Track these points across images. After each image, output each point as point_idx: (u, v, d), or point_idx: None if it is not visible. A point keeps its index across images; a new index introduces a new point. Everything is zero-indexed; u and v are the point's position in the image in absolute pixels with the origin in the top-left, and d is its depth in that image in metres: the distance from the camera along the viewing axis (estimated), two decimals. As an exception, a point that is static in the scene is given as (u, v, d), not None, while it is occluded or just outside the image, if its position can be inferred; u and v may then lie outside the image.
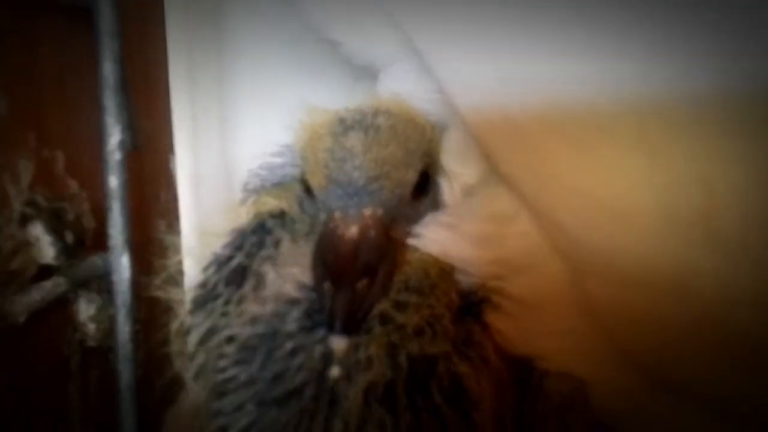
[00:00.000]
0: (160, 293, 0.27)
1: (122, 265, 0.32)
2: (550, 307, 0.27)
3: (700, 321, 0.24)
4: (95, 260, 0.32)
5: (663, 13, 0.23)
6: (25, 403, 0.28)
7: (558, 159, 0.25)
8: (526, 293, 0.26)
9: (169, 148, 0.39)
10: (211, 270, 0.27)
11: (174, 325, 0.27)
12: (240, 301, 0.26)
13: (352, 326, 0.24)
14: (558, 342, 0.27)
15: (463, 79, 0.26)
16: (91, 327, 0.31)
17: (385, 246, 0.25)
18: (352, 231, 0.24)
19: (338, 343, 0.24)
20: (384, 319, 0.24)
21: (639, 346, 0.27)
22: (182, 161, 0.40)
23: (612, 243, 0.25)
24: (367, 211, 0.25)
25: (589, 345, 0.28)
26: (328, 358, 0.24)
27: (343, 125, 0.27)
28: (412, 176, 0.26)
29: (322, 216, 0.25)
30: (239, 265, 0.27)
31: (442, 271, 0.26)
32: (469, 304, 0.25)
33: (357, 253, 0.24)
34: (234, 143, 0.43)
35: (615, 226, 0.24)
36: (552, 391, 0.26)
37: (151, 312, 0.30)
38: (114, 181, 0.32)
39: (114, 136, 0.32)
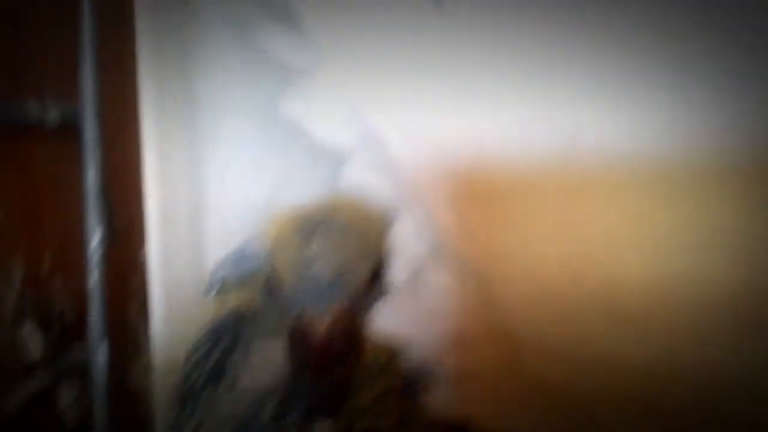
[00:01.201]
0: (137, 384, 0.30)
1: (100, 353, 0.35)
2: (487, 375, 0.32)
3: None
4: (75, 349, 0.35)
5: None
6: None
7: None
8: (467, 364, 0.31)
9: (141, 242, 0.43)
10: (189, 369, 0.31)
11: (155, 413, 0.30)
12: (216, 396, 0.30)
13: (333, 408, 0.28)
14: (493, 405, 0.32)
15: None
16: (71, 412, 0.34)
17: (351, 337, 0.29)
18: (325, 326, 0.27)
19: (322, 427, 0.28)
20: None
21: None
22: (154, 250, 0.44)
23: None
24: (335, 306, 0.28)
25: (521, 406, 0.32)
26: None
27: (308, 228, 0.29)
28: (368, 267, 0.30)
29: (292, 312, 0.28)
30: (218, 362, 0.31)
31: (390, 355, 0.30)
32: (411, 383, 0.30)
33: (331, 345, 0.27)
34: (203, 235, 0.47)
35: None
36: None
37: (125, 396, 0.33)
38: (95, 276, 0.35)
39: (96, 236, 0.36)
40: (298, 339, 0.28)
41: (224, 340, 0.30)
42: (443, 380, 0.30)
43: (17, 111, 0.34)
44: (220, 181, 0.48)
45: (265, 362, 0.29)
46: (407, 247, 0.33)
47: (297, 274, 0.29)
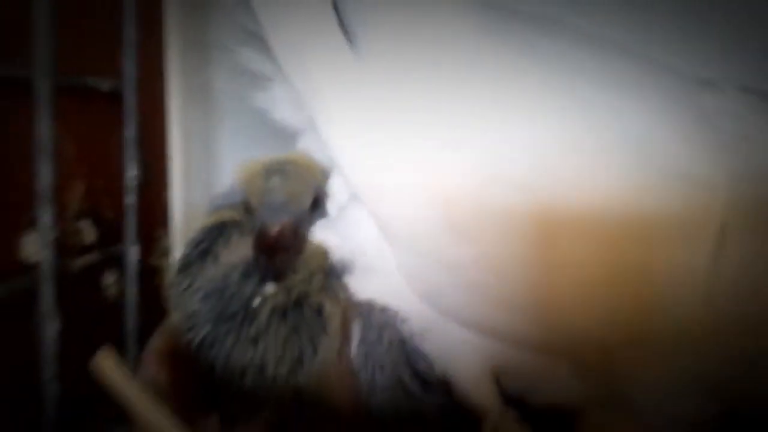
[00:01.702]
0: (157, 263, 0.46)
1: (132, 252, 0.51)
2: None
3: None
4: (115, 248, 0.51)
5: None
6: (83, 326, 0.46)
7: None
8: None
9: (164, 184, 0.59)
10: (188, 250, 0.46)
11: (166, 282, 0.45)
12: (204, 268, 0.45)
13: (277, 278, 0.41)
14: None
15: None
16: (111, 290, 0.49)
17: (293, 238, 0.44)
18: (275, 230, 0.41)
19: (269, 288, 0.41)
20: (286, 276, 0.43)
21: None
22: (175, 190, 0.59)
23: None
24: (283, 220, 0.41)
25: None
26: (254, 296, 0.42)
27: (268, 171, 0.43)
28: (308, 199, 0.43)
29: (257, 223, 0.42)
30: (204, 247, 0.46)
31: (321, 251, 0.45)
32: (333, 269, 0.44)
33: (278, 240, 0.41)
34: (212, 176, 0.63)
35: None
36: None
37: (150, 278, 0.48)
38: (130, 198, 0.51)
39: (131, 169, 0.51)
40: (260, 237, 0.41)
41: (212, 234, 0.45)
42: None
43: (83, 81, 0.47)
44: (223, 141, 0.64)
45: (238, 250, 0.44)
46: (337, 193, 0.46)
47: (261, 199, 0.43)
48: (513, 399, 0.41)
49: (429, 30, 0.39)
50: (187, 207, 0.60)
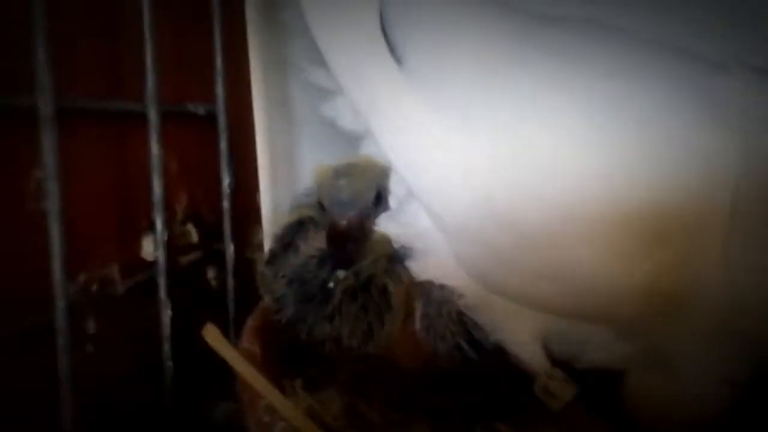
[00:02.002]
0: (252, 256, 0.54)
1: (229, 248, 0.60)
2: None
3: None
4: (216, 246, 0.60)
5: None
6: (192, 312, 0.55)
7: None
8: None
9: (255, 189, 0.67)
10: (274, 244, 0.53)
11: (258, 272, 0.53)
12: (287, 258, 0.52)
13: (347, 265, 0.47)
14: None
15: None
16: (214, 281, 0.59)
17: (359, 229, 0.50)
18: (343, 224, 0.47)
19: (340, 273, 0.47)
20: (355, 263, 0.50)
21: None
22: (263, 193, 0.68)
23: None
24: (350, 215, 0.48)
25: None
26: (329, 280, 0.49)
27: (336, 173, 0.49)
28: (371, 196, 0.49)
29: (329, 218, 0.48)
30: (287, 241, 0.53)
31: (385, 239, 0.51)
32: (395, 255, 0.51)
33: (346, 232, 0.47)
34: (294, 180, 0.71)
35: None
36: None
37: (246, 270, 0.57)
38: (225, 203, 0.60)
39: (226, 179, 0.59)
40: (331, 230, 0.48)
41: (292, 230, 0.53)
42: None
43: (184, 108, 0.55)
44: (302, 148, 0.72)
45: (314, 242, 0.52)
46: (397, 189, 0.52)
47: (331, 198, 0.49)
48: (560, 363, 0.46)
49: (465, 41, 0.44)
50: (274, 207, 0.69)
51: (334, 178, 0.49)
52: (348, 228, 0.48)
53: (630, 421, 0.44)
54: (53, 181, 0.39)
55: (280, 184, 0.71)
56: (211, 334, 0.42)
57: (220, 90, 0.57)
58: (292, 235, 0.51)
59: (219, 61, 0.57)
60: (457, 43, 0.44)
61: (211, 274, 0.59)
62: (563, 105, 0.40)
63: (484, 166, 0.41)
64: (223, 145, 0.58)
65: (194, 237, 0.56)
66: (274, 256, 0.51)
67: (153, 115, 0.49)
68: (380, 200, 0.50)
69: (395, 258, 0.49)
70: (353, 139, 0.53)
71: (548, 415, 0.45)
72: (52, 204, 0.39)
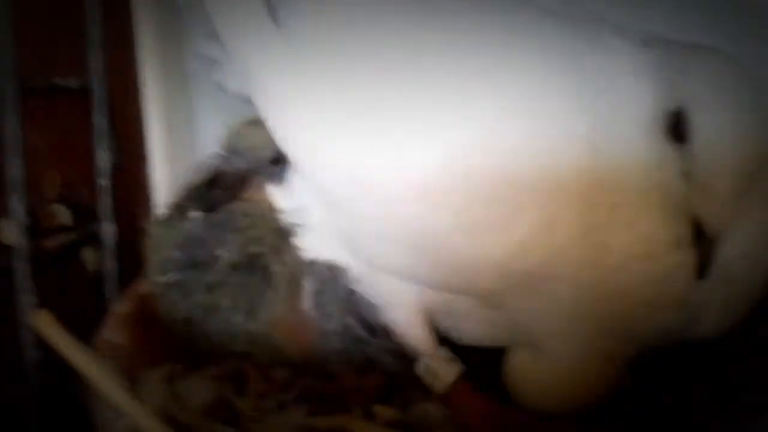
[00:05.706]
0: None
1: (108, 229, 0.57)
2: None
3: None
4: (92, 226, 0.58)
5: None
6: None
7: None
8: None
9: (142, 165, 0.64)
10: (167, 209, 0.51)
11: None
12: (180, 221, 0.49)
13: (208, 208, 0.49)
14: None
15: None
16: (92, 262, 0.57)
17: (238, 183, 0.50)
18: (242, 170, 0.49)
19: (196, 213, 0.49)
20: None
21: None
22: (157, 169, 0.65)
23: None
24: (251, 164, 0.49)
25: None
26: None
27: (245, 125, 0.50)
28: (268, 153, 0.49)
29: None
30: (178, 203, 0.50)
31: (271, 214, 0.50)
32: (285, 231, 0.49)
33: (221, 177, 0.49)
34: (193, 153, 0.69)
35: None
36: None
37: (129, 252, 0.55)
38: (103, 182, 0.57)
39: (102, 159, 0.56)
40: (226, 175, 0.49)
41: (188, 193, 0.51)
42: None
43: (51, 81, 0.52)
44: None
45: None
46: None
47: (230, 146, 0.51)
48: (444, 338, 0.45)
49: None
50: (173, 182, 0.66)
51: (242, 128, 0.50)
52: (243, 174, 0.48)
53: (514, 400, 0.44)
54: None
55: (180, 157, 0.68)
56: (43, 321, 0.39)
57: (94, 63, 0.54)
58: (185, 198, 0.50)
59: (94, 30, 0.54)
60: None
61: (88, 256, 0.56)
62: (425, 75, 0.38)
63: (349, 134, 0.39)
64: (100, 120, 0.55)
65: (65, 218, 0.54)
66: (166, 219, 0.50)
67: (8, 89, 0.46)
68: (278, 162, 0.49)
69: (281, 233, 0.48)
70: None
71: (432, 395, 0.45)
72: None
